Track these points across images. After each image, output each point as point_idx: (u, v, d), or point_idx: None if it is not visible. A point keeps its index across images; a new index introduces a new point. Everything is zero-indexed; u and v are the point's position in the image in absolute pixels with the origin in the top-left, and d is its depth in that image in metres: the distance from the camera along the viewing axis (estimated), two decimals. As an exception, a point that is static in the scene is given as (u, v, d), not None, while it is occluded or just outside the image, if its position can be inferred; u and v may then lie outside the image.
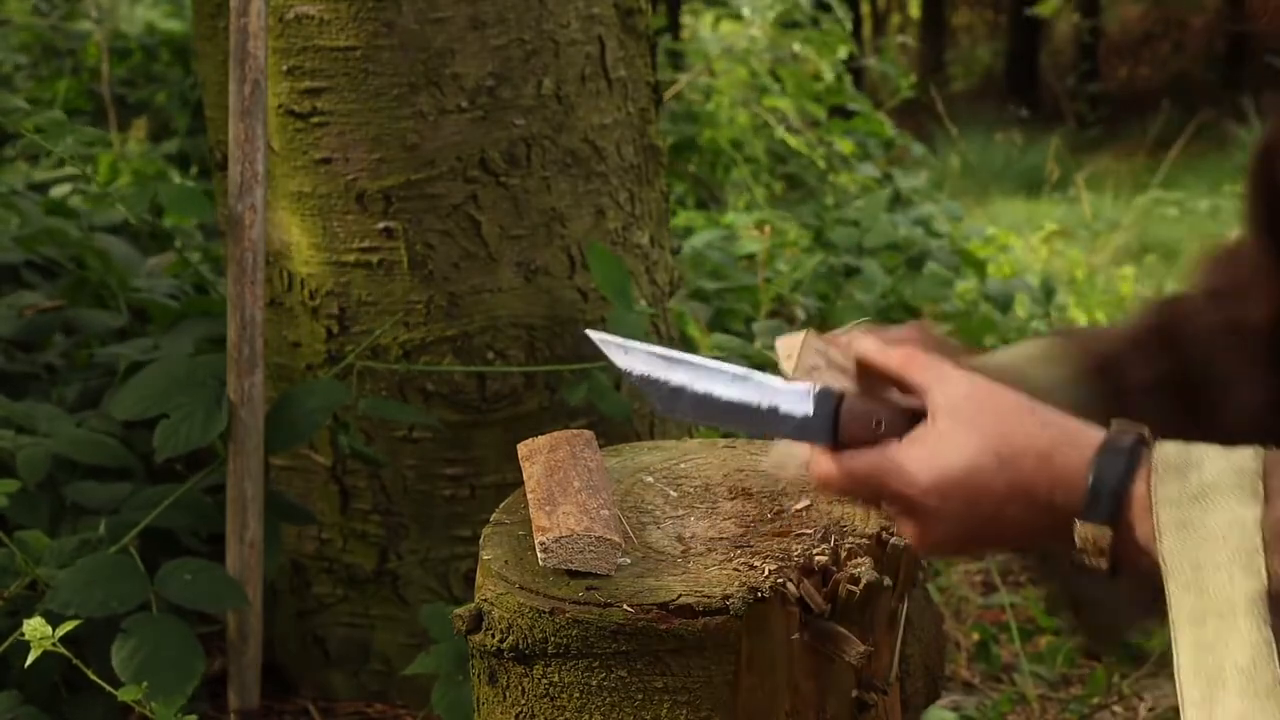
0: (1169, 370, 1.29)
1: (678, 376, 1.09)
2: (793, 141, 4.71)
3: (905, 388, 1.05)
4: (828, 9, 5.25)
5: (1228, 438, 1.17)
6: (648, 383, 1.09)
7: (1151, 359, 1.30)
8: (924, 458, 0.99)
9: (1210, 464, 0.92)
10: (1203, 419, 1.27)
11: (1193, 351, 1.31)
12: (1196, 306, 1.35)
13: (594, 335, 1.12)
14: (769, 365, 2.67)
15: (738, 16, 5.43)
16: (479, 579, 1.19)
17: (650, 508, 1.29)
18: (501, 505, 1.32)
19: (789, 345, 1.14)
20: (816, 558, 1.15)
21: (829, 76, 4.93)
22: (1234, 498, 0.90)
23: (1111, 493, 0.93)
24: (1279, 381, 1.27)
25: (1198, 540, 0.89)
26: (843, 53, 5.16)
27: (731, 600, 1.09)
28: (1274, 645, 0.86)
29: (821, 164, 4.78)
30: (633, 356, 1.10)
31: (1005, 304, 3.88)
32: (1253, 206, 1.34)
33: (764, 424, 1.07)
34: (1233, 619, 0.87)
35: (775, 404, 1.06)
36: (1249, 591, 0.87)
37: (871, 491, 1.03)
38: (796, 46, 5.00)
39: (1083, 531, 0.94)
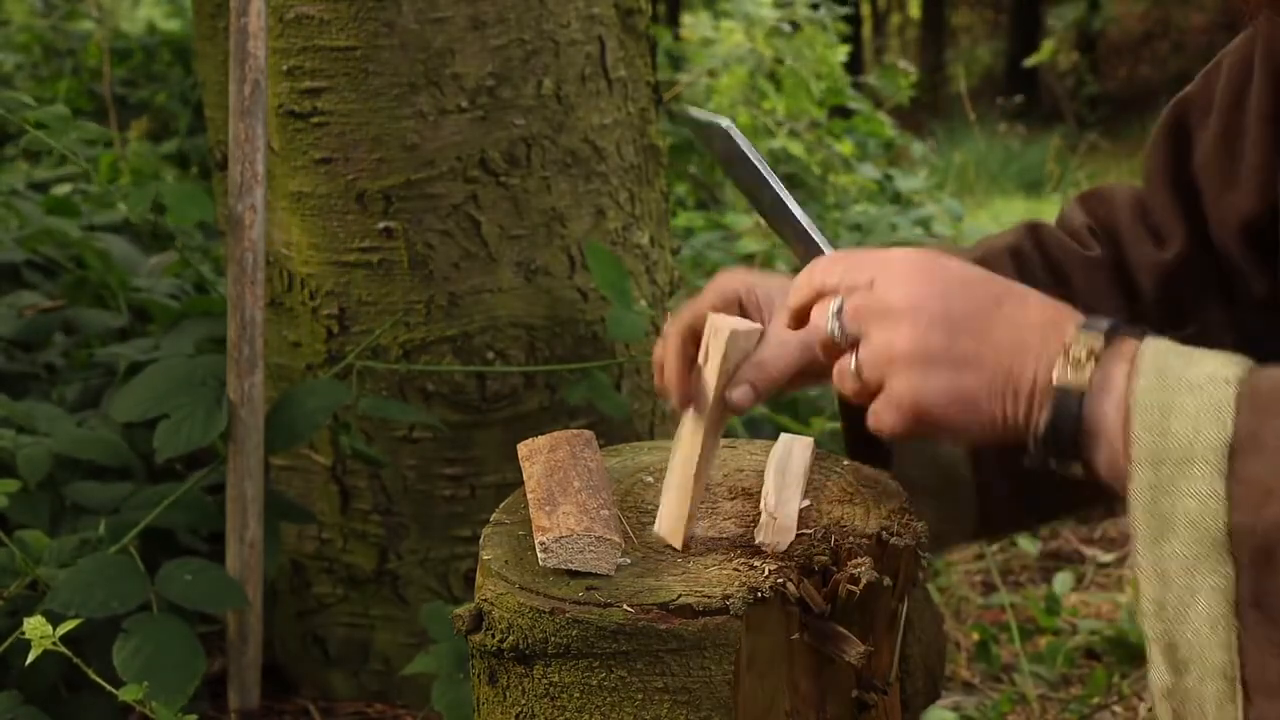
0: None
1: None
2: (792, 147, 4.71)
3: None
4: (818, 8, 5.25)
5: None
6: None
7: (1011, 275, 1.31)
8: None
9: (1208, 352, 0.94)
10: None
11: (1054, 275, 1.34)
12: (1064, 238, 1.38)
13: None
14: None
15: (733, 15, 5.43)
16: (479, 579, 1.19)
17: (650, 508, 1.29)
18: (501, 505, 1.32)
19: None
20: (816, 558, 1.15)
21: (824, 86, 4.93)
22: (1220, 360, 0.92)
23: (1107, 321, 0.96)
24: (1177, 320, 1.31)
25: (1173, 385, 0.91)
26: (841, 54, 5.16)
27: (731, 600, 1.09)
28: (1225, 499, 0.87)
29: (817, 169, 4.78)
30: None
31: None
32: (1158, 157, 1.37)
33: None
34: (1188, 466, 0.89)
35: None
36: (1211, 441, 0.88)
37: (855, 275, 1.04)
38: (790, 60, 5.00)
39: (1079, 339, 0.96)
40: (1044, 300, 1.01)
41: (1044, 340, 0.97)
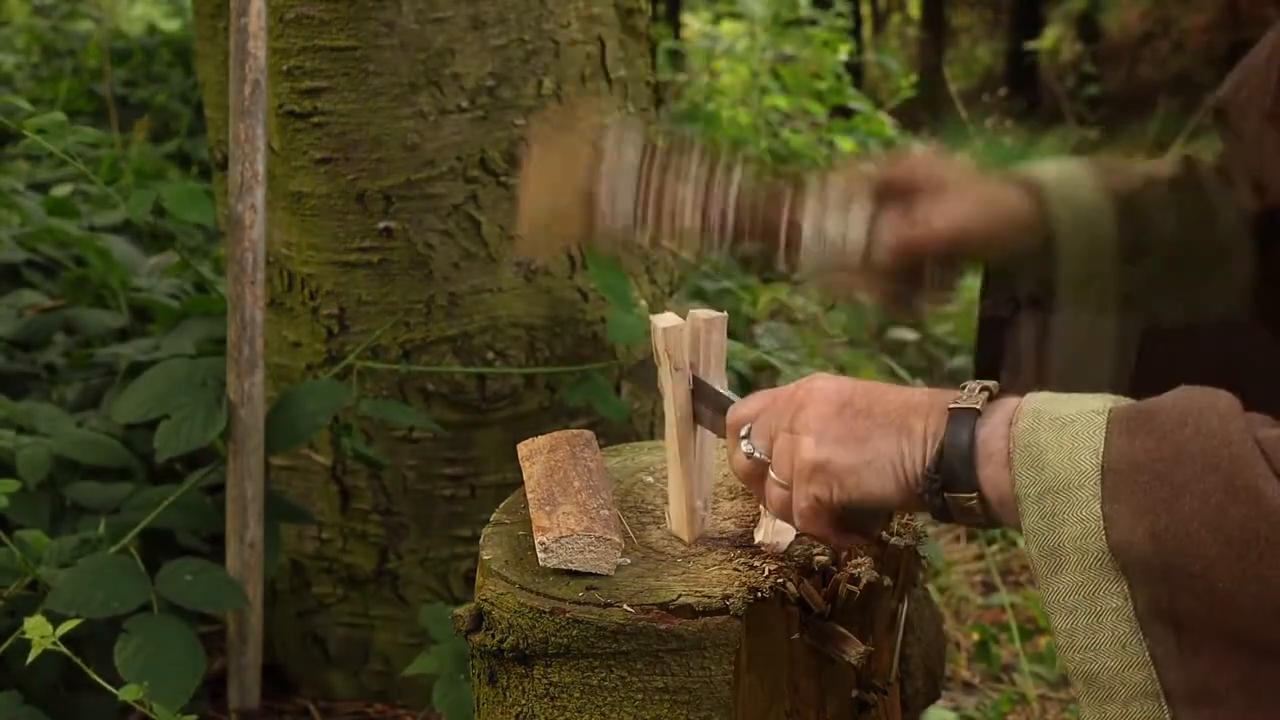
0: (1181, 221, 1.38)
1: None
2: (795, 141, 4.71)
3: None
4: (828, 5, 5.26)
5: (1228, 299, 1.35)
6: None
7: (1166, 205, 1.39)
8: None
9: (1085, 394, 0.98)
10: (1210, 277, 1.38)
11: (1200, 210, 1.40)
12: (1208, 174, 1.43)
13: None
14: (769, 367, 2.66)
15: (738, 16, 5.43)
16: (479, 579, 1.19)
17: (650, 508, 1.29)
18: (501, 505, 1.32)
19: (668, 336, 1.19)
20: (816, 558, 1.15)
21: (828, 82, 4.93)
22: (1090, 397, 0.96)
23: (982, 386, 1.02)
24: (1265, 260, 1.36)
25: (1048, 423, 0.95)
26: (843, 53, 5.17)
27: (731, 600, 1.09)
28: (1103, 520, 0.90)
29: (823, 164, 4.77)
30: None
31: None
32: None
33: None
34: (1068, 495, 0.92)
35: None
36: (1085, 469, 0.91)
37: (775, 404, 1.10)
38: (790, 49, 5.00)
39: (970, 385, 1.02)
40: (928, 389, 1.08)
41: (931, 397, 1.03)
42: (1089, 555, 0.91)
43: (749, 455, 1.10)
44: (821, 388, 1.07)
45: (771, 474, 1.08)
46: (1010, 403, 0.99)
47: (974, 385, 1.02)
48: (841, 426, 1.03)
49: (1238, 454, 0.86)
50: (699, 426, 1.22)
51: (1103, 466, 0.91)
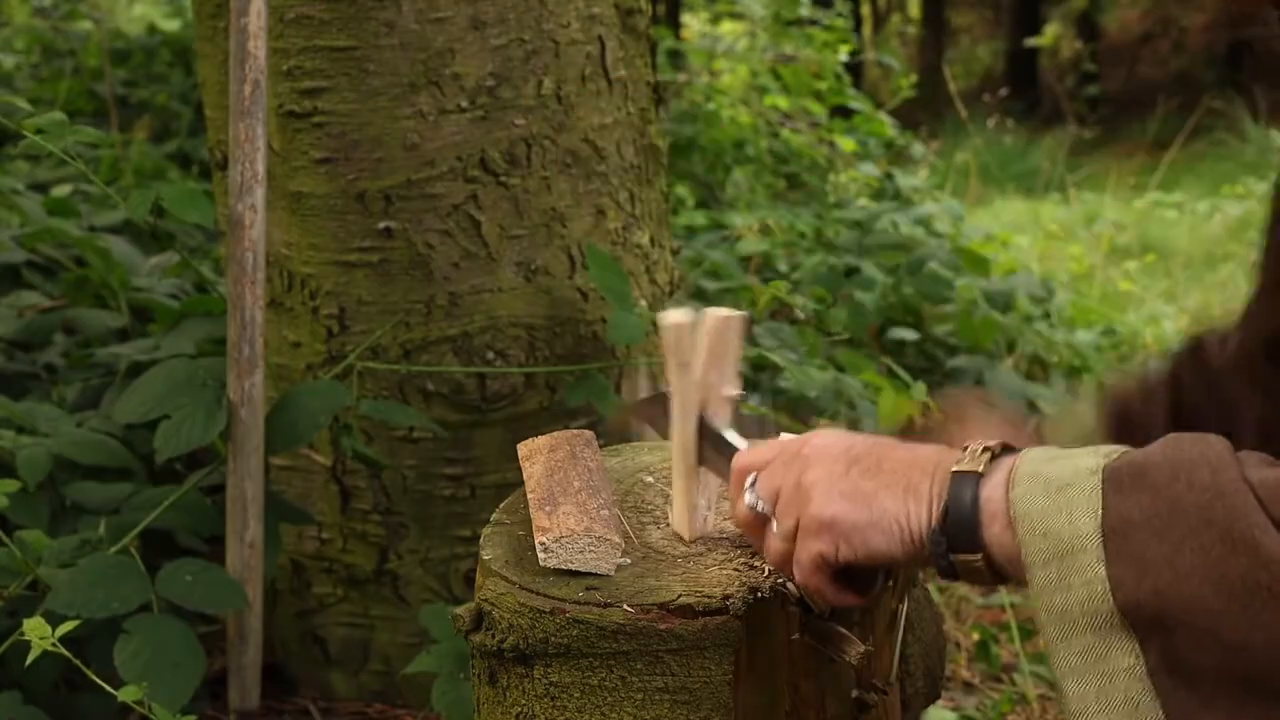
0: (1173, 412, 1.39)
1: None
2: (795, 140, 4.71)
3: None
4: (829, 4, 5.26)
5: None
6: None
7: (1158, 405, 1.40)
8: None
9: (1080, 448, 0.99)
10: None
11: (1200, 387, 1.40)
12: (1214, 346, 1.42)
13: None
14: (769, 366, 2.66)
15: (738, 16, 5.43)
16: (479, 579, 1.19)
17: (650, 508, 1.29)
18: (501, 505, 1.32)
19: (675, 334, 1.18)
20: (816, 558, 1.14)
21: (828, 82, 4.93)
22: (1082, 455, 0.96)
23: (984, 446, 1.02)
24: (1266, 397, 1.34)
25: (1044, 487, 0.95)
26: (843, 53, 5.17)
27: (731, 600, 1.09)
28: (1108, 582, 0.90)
29: (823, 163, 4.78)
30: None
31: (1006, 304, 3.88)
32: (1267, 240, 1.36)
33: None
34: (1073, 559, 0.92)
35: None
36: (1086, 531, 0.92)
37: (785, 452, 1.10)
38: (790, 49, 5.00)
39: (973, 446, 1.02)
40: (934, 446, 1.08)
41: (938, 455, 1.03)
42: (1099, 618, 0.91)
43: (753, 507, 1.10)
44: (830, 444, 1.07)
45: (773, 527, 1.08)
46: (1009, 462, 0.99)
47: (976, 444, 1.02)
48: (849, 484, 1.03)
49: (1231, 505, 0.86)
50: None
51: (1103, 528, 0.91)
